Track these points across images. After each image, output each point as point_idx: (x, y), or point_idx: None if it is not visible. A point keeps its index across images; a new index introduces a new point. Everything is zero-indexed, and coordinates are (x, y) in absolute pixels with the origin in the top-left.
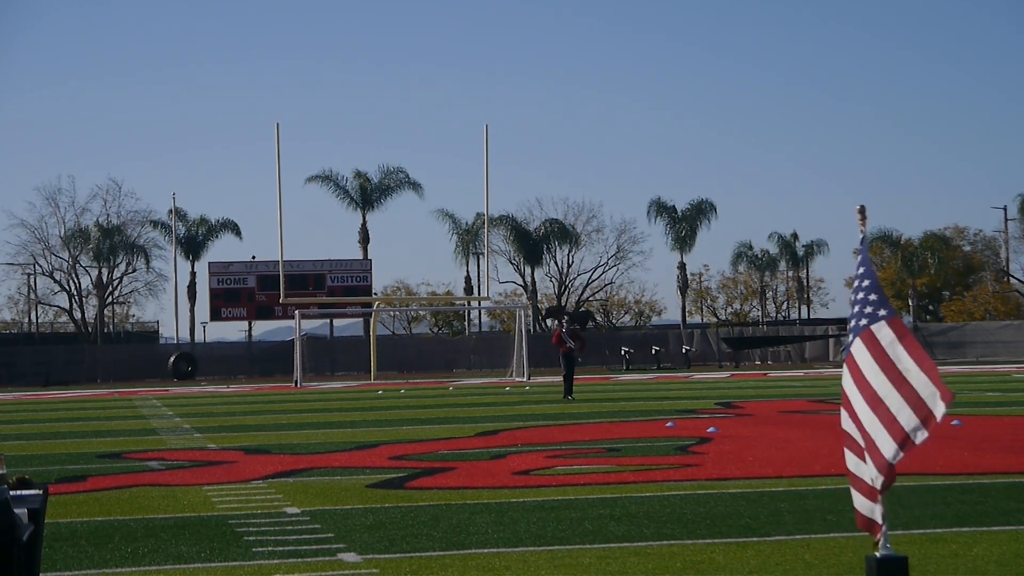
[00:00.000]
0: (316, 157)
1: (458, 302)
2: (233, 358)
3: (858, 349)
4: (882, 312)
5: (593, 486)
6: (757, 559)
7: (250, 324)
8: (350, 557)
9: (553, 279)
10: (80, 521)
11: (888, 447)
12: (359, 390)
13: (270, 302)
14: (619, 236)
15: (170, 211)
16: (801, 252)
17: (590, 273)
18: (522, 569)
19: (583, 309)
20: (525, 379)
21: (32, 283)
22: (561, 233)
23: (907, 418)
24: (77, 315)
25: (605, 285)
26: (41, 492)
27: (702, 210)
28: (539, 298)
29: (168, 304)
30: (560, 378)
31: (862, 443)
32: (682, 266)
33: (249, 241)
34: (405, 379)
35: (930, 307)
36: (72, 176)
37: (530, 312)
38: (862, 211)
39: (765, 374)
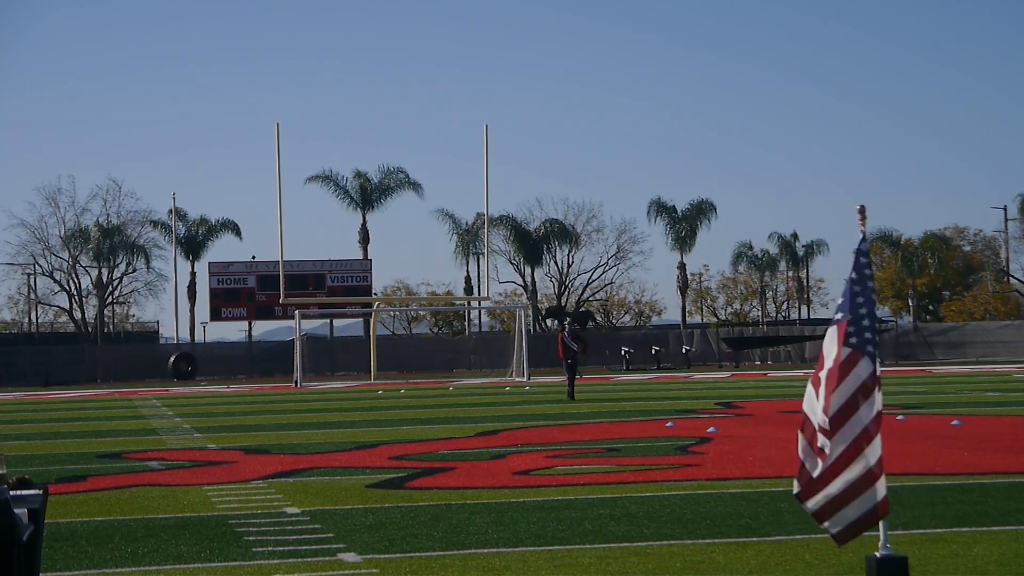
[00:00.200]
0: (316, 157)
1: (458, 302)
2: (233, 358)
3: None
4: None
5: (593, 486)
6: (757, 559)
7: (250, 324)
8: (350, 557)
9: (553, 279)
10: (80, 521)
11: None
12: (359, 390)
13: (270, 302)
14: (619, 236)
15: (170, 211)
16: (801, 252)
17: (590, 273)
18: (522, 569)
19: (583, 309)
20: (525, 379)
21: (32, 283)
22: (561, 233)
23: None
24: (77, 315)
25: (605, 285)
26: (41, 492)
27: (702, 210)
28: (539, 298)
29: (168, 304)
30: (563, 378)
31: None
32: (682, 266)
33: (249, 241)
34: (405, 379)
35: (930, 307)
36: (72, 176)
37: (530, 312)
38: (862, 211)
39: (765, 374)
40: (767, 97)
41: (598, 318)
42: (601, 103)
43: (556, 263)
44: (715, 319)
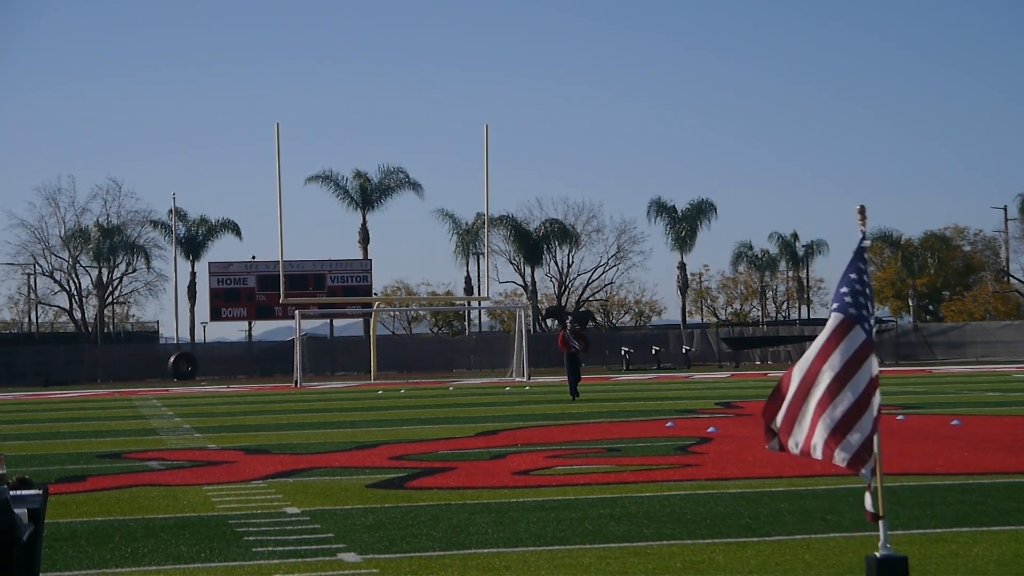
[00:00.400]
0: (316, 157)
1: (458, 302)
2: (233, 358)
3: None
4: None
5: (593, 486)
6: (757, 559)
7: (250, 324)
8: (350, 557)
9: (553, 279)
10: (80, 521)
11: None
12: (359, 390)
13: (270, 302)
14: (619, 236)
15: (170, 211)
16: (801, 252)
17: (590, 273)
18: (522, 569)
19: (583, 309)
20: (525, 379)
21: (32, 283)
22: (561, 233)
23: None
24: (77, 315)
25: (605, 285)
26: (41, 492)
27: (702, 210)
28: (539, 298)
29: (168, 304)
30: (563, 379)
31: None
32: (682, 266)
33: (249, 241)
34: (405, 379)
35: (930, 307)
36: (72, 176)
37: (530, 312)
38: (862, 211)
39: (765, 374)
40: (767, 97)
41: (598, 318)
42: (601, 103)
43: (556, 263)
44: (715, 319)
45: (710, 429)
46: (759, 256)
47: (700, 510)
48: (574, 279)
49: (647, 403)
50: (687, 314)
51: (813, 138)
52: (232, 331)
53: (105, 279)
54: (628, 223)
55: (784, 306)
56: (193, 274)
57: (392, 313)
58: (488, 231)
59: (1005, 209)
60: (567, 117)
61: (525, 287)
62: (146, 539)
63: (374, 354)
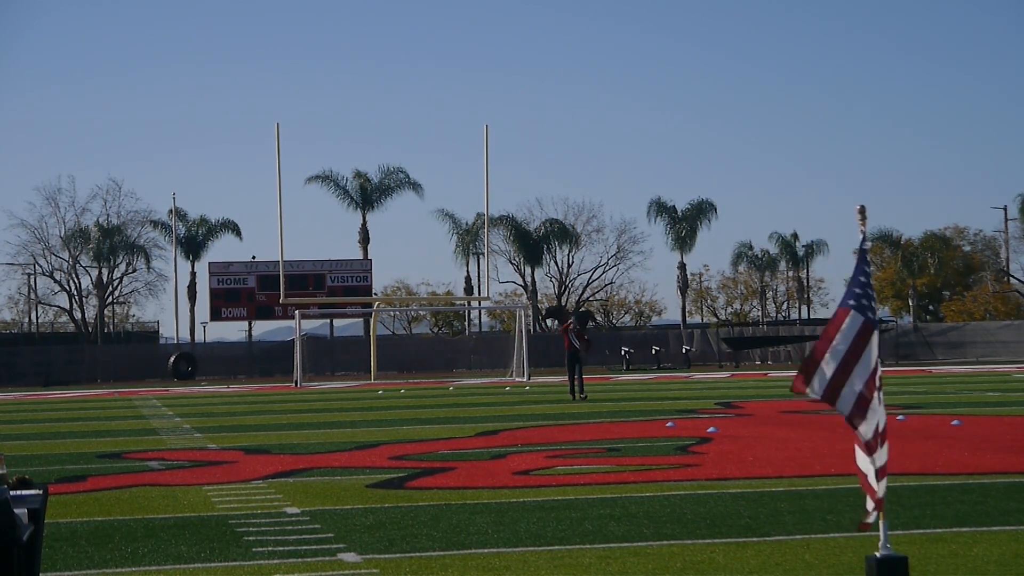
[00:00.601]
0: (316, 157)
1: (458, 302)
2: (233, 358)
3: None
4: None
5: (593, 486)
6: (757, 559)
7: (250, 324)
8: (350, 557)
9: (553, 279)
10: (80, 521)
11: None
12: (359, 390)
13: (270, 302)
14: (619, 236)
15: (170, 211)
16: (801, 252)
17: (590, 273)
18: (522, 569)
19: (583, 309)
20: (525, 379)
21: (32, 283)
22: (561, 233)
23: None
24: (77, 315)
25: (605, 285)
26: (41, 492)
27: (702, 210)
28: (539, 298)
29: (168, 304)
30: (563, 379)
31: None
32: (682, 266)
33: (249, 241)
34: (405, 379)
35: (930, 307)
36: (72, 176)
37: (530, 312)
38: (862, 211)
39: (765, 374)
40: (767, 97)
41: (598, 318)
42: (601, 103)
43: (556, 263)
44: (715, 319)
45: (710, 429)
46: (759, 256)
47: (700, 510)
48: (574, 279)
49: (647, 403)
50: (687, 314)
51: (813, 138)
52: (232, 331)
53: (105, 279)
54: (628, 223)
55: (784, 306)
56: (193, 274)
57: (392, 313)
58: (488, 231)
59: (1005, 209)
60: (567, 117)
61: (525, 287)
62: (146, 539)
63: (374, 354)
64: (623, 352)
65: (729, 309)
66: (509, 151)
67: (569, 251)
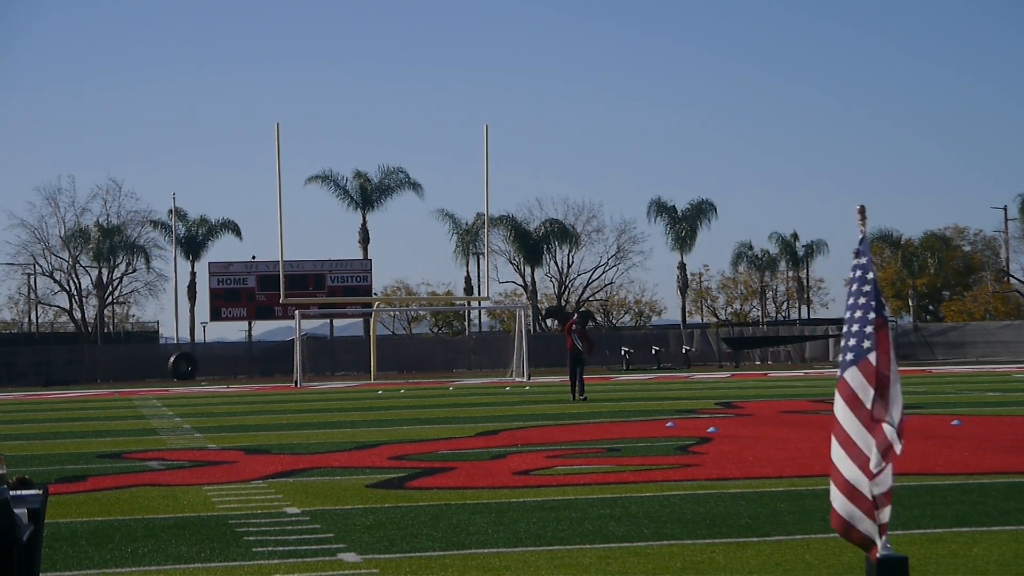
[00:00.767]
0: (316, 157)
1: (458, 302)
2: (233, 358)
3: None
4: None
5: (593, 486)
6: (757, 559)
7: (250, 324)
8: (350, 557)
9: (553, 279)
10: (80, 521)
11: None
12: (359, 390)
13: (270, 302)
14: (619, 236)
15: (170, 211)
16: (801, 252)
17: (590, 273)
18: (522, 569)
19: (583, 309)
20: (525, 379)
21: (32, 283)
22: (561, 233)
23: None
24: (77, 315)
25: (605, 285)
26: (41, 492)
27: (702, 210)
28: (539, 298)
29: (168, 304)
30: (563, 379)
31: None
32: (682, 266)
33: (249, 241)
34: (405, 379)
35: (930, 307)
36: (72, 176)
37: (530, 312)
38: (862, 211)
39: (765, 374)
40: (767, 97)
41: (598, 318)
42: (601, 103)
43: (556, 263)
44: (715, 319)
45: (710, 429)
46: (759, 256)
47: (700, 510)
48: (574, 279)
49: (647, 403)
50: (687, 314)
51: (813, 138)
52: (232, 331)
53: (105, 279)
54: (628, 223)
55: (784, 306)
56: (193, 274)
57: (392, 313)
58: (488, 231)
59: (1005, 209)
60: (567, 117)
61: (525, 287)
62: (146, 539)
63: (374, 354)
64: (623, 352)
65: (729, 309)
66: (509, 151)
67: (569, 251)
